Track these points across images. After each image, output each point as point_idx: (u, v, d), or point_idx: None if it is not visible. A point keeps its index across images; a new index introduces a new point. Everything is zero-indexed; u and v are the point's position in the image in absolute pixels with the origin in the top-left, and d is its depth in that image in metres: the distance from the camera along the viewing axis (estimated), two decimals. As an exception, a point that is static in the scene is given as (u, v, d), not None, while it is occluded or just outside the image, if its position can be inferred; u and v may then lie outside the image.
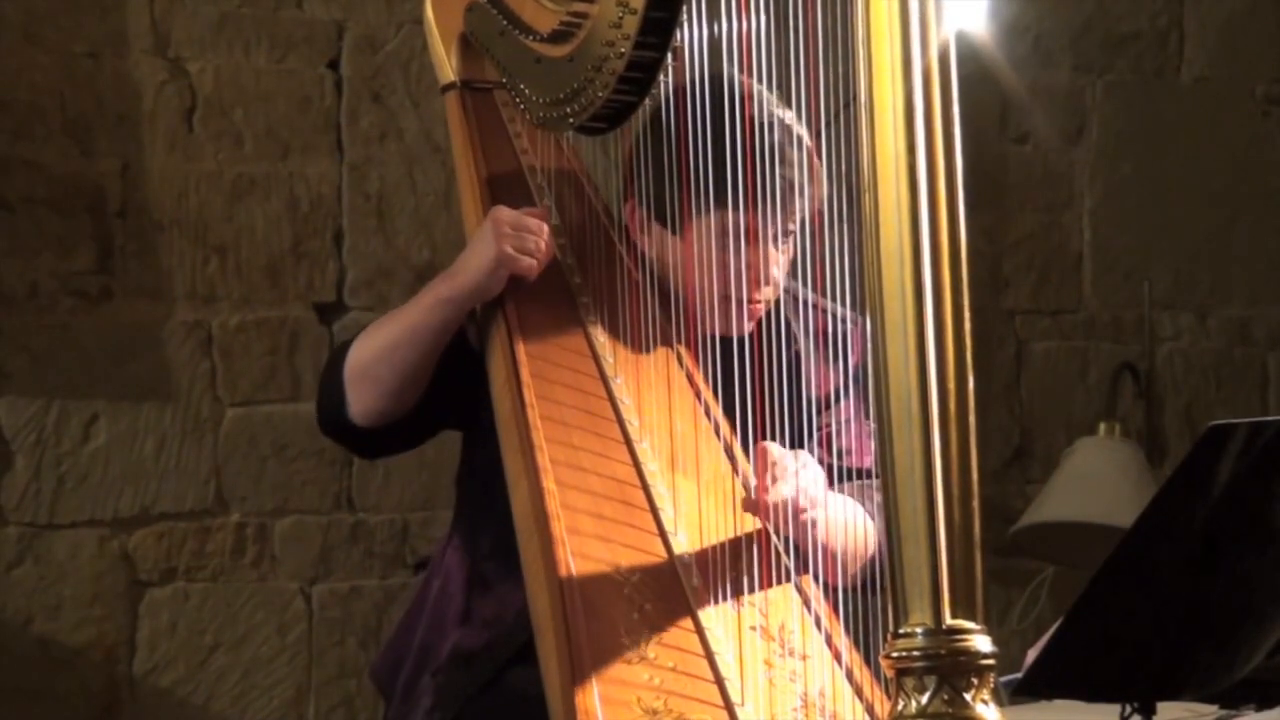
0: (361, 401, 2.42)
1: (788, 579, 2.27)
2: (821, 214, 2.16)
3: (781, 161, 2.33)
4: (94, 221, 3.62)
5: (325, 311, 3.79)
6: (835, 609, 2.21)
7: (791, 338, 2.44)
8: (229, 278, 3.71)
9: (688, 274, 2.41)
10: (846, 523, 2.34)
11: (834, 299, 2.26)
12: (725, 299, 2.40)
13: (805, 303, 2.49)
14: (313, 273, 3.78)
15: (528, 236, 2.37)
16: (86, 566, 3.62)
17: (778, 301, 2.44)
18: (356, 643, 3.78)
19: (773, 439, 2.27)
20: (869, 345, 1.73)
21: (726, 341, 2.37)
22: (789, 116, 2.36)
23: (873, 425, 2.22)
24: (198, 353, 3.70)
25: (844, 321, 2.46)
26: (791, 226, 2.41)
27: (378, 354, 2.41)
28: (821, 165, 2.36)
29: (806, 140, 2.37)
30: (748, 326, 2.42)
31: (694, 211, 2.39)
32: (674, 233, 2.43)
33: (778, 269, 2.43)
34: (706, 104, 2.28)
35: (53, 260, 3.59)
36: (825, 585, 2.26)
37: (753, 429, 2.27)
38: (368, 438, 2.48)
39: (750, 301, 2.42)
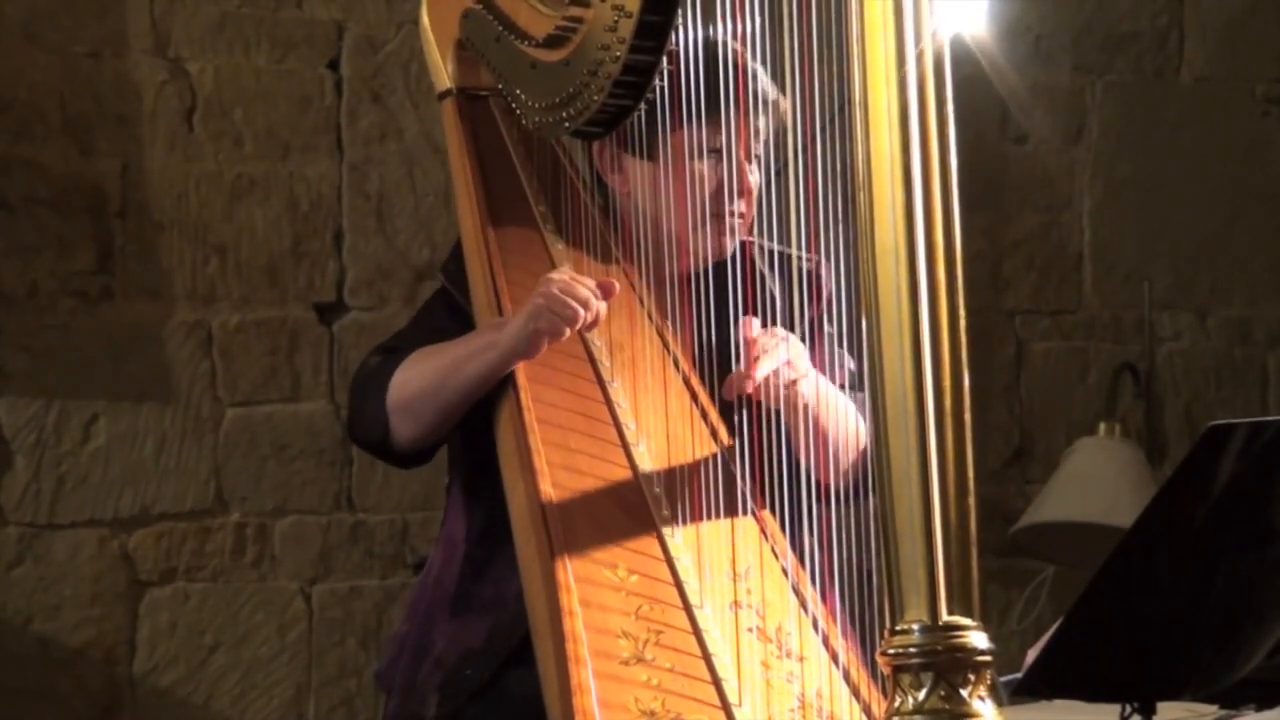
0: (405, 432, 2.43)
1: (785, 577, 2.28)
2: (811, 199, 2.16)
3: (737, 77, 2.34)
4: (94, 221, 3.63)
5: (325, 311, 3.79)
6: (830, 531, 2.21)
7: (761, 281, 2.45)
8: (229, 278, 3.71)
9: (666, 196, 2.43)
10: (833, 401, 2.37)
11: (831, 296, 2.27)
12: (704, 216, 2.42)
13: (772, 252, 2.51)
14: (313, 273, 3.78)
15: (568, 306, 2.32)
16: (86, 566, 3.62)
17: (748, 251, 2.46)
18: (356, 643, 3.78)
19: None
20: (867, 322, 1.73)
21: (706, 288, 2.38)
22: (735, 44, 2.38)
23: (848, 357, 2.34)
24: (198, 353, 3.70)
25: (810, 263, 2.47)
26: (757, 146, 2.43)
27: (423, 391, 2.41)
28: (779, 93, 2.39)
29: (756, 69, 2.38)
30: (730, 244, 2.44)
31: (661, 134, 2.40)
32: (644, 158, 2.44)
33: (751, 179, 2.44)
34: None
35: (53, 260, 3.60)
36: (820, 488, 2.27)
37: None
38: (406, 458, 2.50)
39: (726, 215, 2.43)
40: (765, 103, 2.41)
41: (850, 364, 2.40)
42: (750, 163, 2.45)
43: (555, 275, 2.36)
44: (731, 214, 2.44)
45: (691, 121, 2.38)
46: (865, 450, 2.36)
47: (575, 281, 2.35)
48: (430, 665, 2.40)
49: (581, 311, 2.32)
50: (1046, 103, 4.28)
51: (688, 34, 2.29)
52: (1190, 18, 4.43)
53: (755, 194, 2.47)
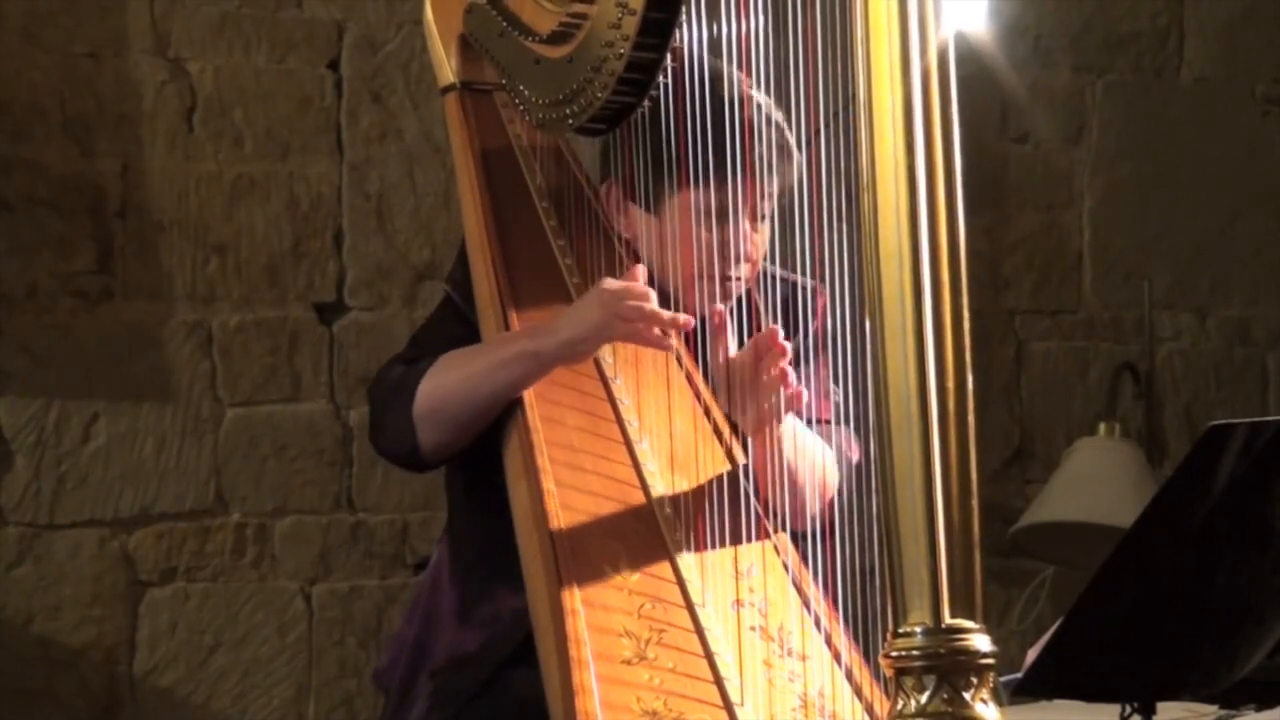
0: (433, 439, 2.41)
1: (787, 574, 2.28)
2: (815, 200, 2.16)
3: (753, 138, 2.34)
4: (94, 221, 3.63)
5: (325, 311, 3.79)
6: (834, 599, 2.21)
7: (754, 309, 2.45)
8: (229, 278, 3.71)
9: (664, 253, 2.42)
10: (808, 447, 2.36)
11: (833, 299, 2.27)
12: (700, 276, 2.42)
13: (766, 274, 2.50)
14: (313, 273, 3.78)
15: (633, 304, 2.29)
16: (86, 566, 3.62)
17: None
18: (356, 643, 3.78)
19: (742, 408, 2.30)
20: (862, 330, 1.73)
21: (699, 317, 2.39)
22: (760, 96, 2.37)
23: (834, 389, 2.33)
24: (198, 353, 3.70)
25: (804, 290, 2.47)
26: (766, 206, 2.43)
27: (452, 398, 2.38)
28: (794, 148, 2.39)
29: (778, 118, 2.38)
30: (727, 305, 2.43)
31: (667, 191, 2.41)
32: (649, 212, 2.44)
33: (752, 245, 2.44)
34: (680, 85, 2.30)
35: (53, 260, 3.60)
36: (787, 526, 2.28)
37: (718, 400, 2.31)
38: (430, 466, 2.49)
39: (725, 279, 2.43)
40: (778, 163, 2.39)
41: (837, 396, 2.39)
42: (758, 224, 2.44)
43: (621, 286, 2.31)
44: (734, 279, 2.43)
45: (698, 184, 2.37)
46: (832, 497, 2.36)
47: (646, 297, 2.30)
48: (426, 674, 2.40)
49: (670, 341, 2.30)
50: (1046, 103, 4.29)
51: (691, 32, 2.29)
52: (1190, 18, 4.44)
53: (761, 255, 2.46)
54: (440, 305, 2.56)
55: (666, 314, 2.29)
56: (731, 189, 2.36)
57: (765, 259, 2.48)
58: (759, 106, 2.36)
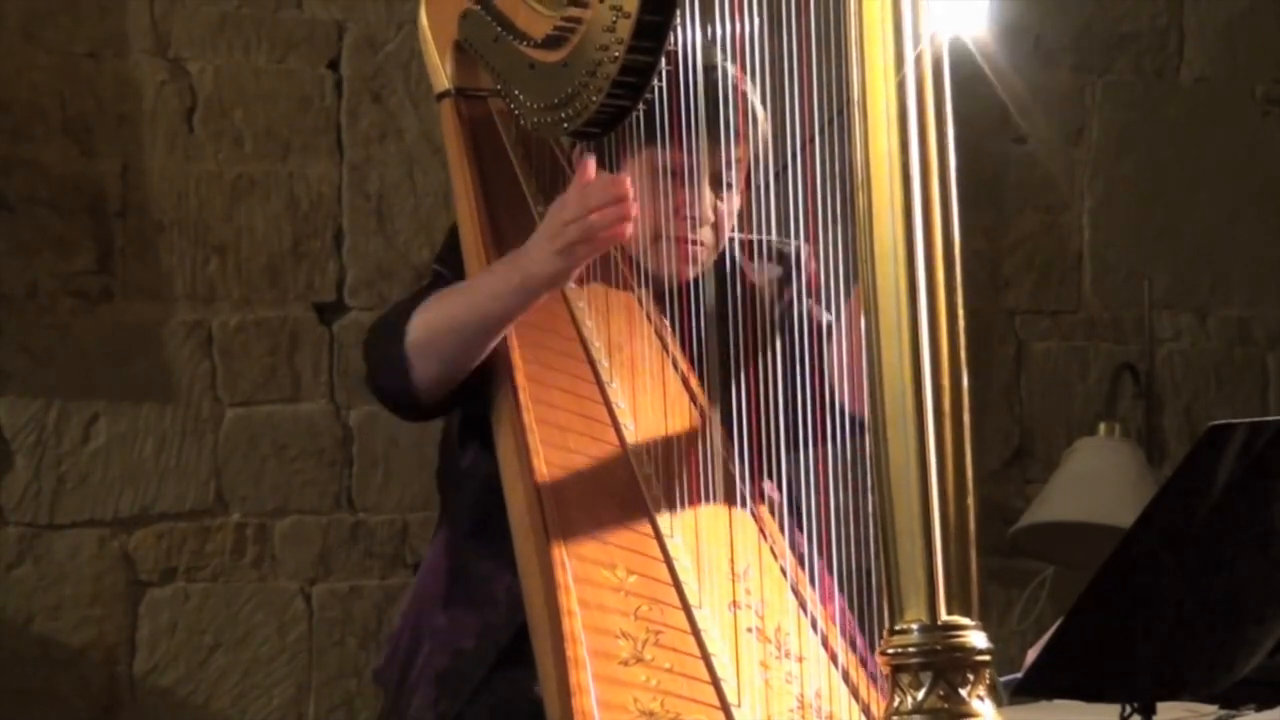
0: (426, 373, 2.39)
1: (784, 577, 2.28)
2: (811, 200, 2.16)
3: (716, 103, 2.33)
4: (94, 221, 3.63)
5: (325, 311, 3.79)
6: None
7: (743, 276, 2.45)
8: (229, 278, 3.71)
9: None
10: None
11: (831, 297, 2.27)
12: (659, 238, 2.41)
13: (751, 243, 2.50)
14: (313, 273, 3.78)
15: (605, 211, 2.25)
16: (86, 566, 3.62)
17: (730, 247, 2.46)
18: (356, 643, 3.78)
19: (736, 378, 2.29)
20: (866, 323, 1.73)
21: (685, 289, 2.39)
22: (731, 68, 2.37)
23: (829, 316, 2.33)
24: (198, 353, 3.70)
25: (793, 251, 2.47)
26: (730, 174, 2.42)
27: (443, 332, 2.38)
28: (766, 116, 2.38)
29: (750, 94, 2.38)
30: (689, 270, 2.43)
31: (627, 152, 2.40)
32: (611, 171, 2.44)
33: (713, 210, 2.43)
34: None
35: (53, 260, 3.60)
36: (850, 419, 2.26)
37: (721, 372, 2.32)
38: (426, 406, 2.46)
39: (687, 241, 2.42)
40: (742, 130, 2.39)
41: (828, 317, 2.39)
42: (723, 190, 2.44)
43: (565, 196, 2.30)
44: (694, 242, 2.43)
45: (658, 143, 2.37)
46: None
47: (591, 189, 2.28)
48: (421, 665, 2.40)
49: (619, 212, 2.26)
50: (1046, 103, 4.29)
51: (685, 38, 2.28)
52: (1190, 18, 4.44)
53: (728, 220, 2.46)
54: (429, 285, 2.55)
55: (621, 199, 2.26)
56: (688, 151, 2.36)
57: (758, 228, 2.48)
58: (724, 72, 2.36)
